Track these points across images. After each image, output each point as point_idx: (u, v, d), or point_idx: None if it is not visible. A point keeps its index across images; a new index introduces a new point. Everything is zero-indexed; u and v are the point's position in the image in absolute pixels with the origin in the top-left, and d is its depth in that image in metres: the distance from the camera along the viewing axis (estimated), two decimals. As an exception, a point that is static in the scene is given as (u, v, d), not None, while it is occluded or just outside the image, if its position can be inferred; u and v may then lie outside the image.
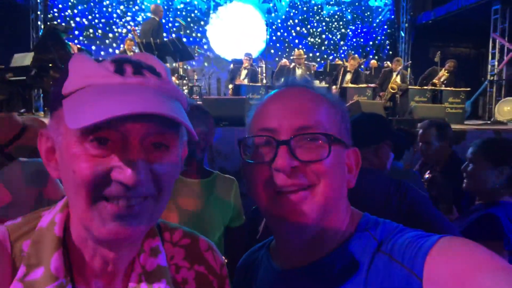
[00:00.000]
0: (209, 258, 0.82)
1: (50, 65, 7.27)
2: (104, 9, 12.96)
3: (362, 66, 10.87)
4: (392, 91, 9.38)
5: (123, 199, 0.60)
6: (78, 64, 0.65)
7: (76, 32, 12.58)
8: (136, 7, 13.09)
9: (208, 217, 1.88)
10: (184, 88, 9.59)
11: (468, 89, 9.92)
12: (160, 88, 0.65)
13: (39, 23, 12.17)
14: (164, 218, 0.86)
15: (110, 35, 12.90)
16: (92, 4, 12.89)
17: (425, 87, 9.67)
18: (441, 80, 9.77)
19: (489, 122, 9.78)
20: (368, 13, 14.62)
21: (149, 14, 8.44)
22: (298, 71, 9.30)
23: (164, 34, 10.76)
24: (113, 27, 12.96)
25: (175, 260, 0.78)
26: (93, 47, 12.61)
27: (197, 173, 1.97)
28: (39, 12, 12.18)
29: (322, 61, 13.45)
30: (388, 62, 11.33)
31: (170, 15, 13.06)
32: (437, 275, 0.61)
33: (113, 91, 0.60)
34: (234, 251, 1.93)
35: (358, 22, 14.52)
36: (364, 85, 9.33)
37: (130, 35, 10.81)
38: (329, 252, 0.76)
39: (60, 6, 12.67)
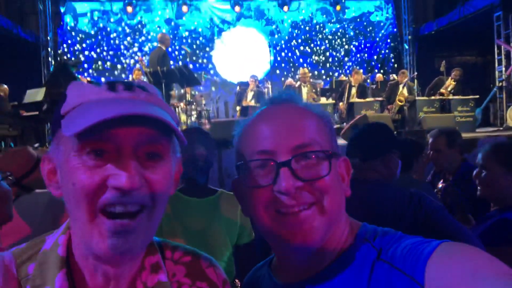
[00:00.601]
0: (211, 274, 0.83)
1: (62, 99, 7.43)
2: (112, 41, 13.32)
3: (368, 81, 10.90)
4: (400, 103, 9.36)
5: (119, 206, 0.63)
6: (74, 88, 0.71)
7: (86, 66, 12.93)
8: (143, 38, 13.43)
9: (214, 235, 1.88)
10: (192, 113, 9.71)
11: (477, 96, 9.84)
12: (151, 101, 0.71)
13: (49, 59, 12.55)
14: (171, 239, 0.88)
15: (119, 66, 13.22)
16: (99, 37, 13.27)
17: (433, 97, 9.63)
18: (448, 89, 9.72)
19: (501, 128, 9.64)
20: (370, 28, 14.75)
21: (155, 44, 8.63)
22: (304, 90, 9.37)
23: (171, 62, 11.00)
24: (121, 58, 13.29)
25: (177, 277, 0.79)
26: (103, 79, 12.91)
27: (201, 193, 1.98)
28: (49, 49, 12.57)
29: (328, 78, 13.53)
30: (394, 75, 11.35)
31: (176, 44, 13.36)
32: (439, 281, 0.61)
33: (105, 102, 0.66)
34: (244, 268, 1.91)
35: (361, 38, 14.64)
36: (371, 99, 9.33)
37: (137, 65, 11.07)
38: (330, 263, 0.76)
39: (69, 41, 13.07)
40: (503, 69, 10.92)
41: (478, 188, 2.09)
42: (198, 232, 1.87)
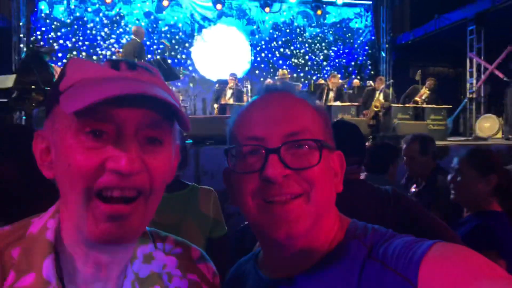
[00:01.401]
0: (202, 266, 0.81)
1: (33, 87, 7.17)
2: (88, 31, 12.96)
3: (346, 86, 11.06)
4: (375, 109, 9.55)
5: (116, 190, 0.60)
6: (75, 64, 0.68)
7: (60, 55, 12.52)
8: (121, 30, 13.14)
9: (187, 230, 1.87)
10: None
11: (449, 106, 10.19)
12: (154, 81, 0.68)
13: (21, 45, 12.09)
14: None
15: (94, 57, 12.88)
16: (75, 27, 12.89)
17: (407, 105, 9.88)
18: (423, 97, 10.01)
19: (470, 138, 10.00)
20: (349, 34, 14.99)
21: (133, 37, 8.49)
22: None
23: (149, 56, 10.79)
24: (97, 49, 12.95)
25: (168, 268, 0.77)
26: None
27: (173, 187, 1.95)
28: (21, 35, 12.12)
29: (306, 81, 13.64)
30: (371, 82, 11.56)
31: (154, 38, 13.14)
32: (433, 282, 0.60)
33: (108, 80, 0.63)
34: (218, 263, 1.88)
35: (340, 44, 14.85)
36: (348, 104, 9.48)
37: (114, 57, 10.82)
38: (318, 260, 0.74)
39: (43, 28, 12.64)
40: (474, 81, 11.32)
41: (452, 192, 2.14)
42: (170, 227, 1.81)
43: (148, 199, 0.65)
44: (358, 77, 14.21)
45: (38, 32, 12.59)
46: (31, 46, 11.79)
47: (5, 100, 7.22)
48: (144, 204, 0.64)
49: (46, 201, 0.77)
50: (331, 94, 9.62)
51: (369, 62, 14.93)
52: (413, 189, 3.35)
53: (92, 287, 0.68)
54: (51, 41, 12.62)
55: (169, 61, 9.44)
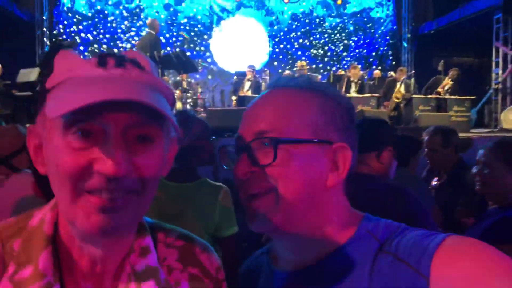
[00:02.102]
0: (204, 260, 0.79)
1: (56, 80, 7.33)
2: (109, 24, 13.14)
3: (366, 77, 10.89)
4: (396, 100, 9.37)
5: (105, 192, 0.59)
6: (62, 60, 0.66)
7: (81, 48, 12.75)
8: (140, 22, 13.26)
9: (188, 222, 1.83)
10: (188, 101, 9.64)
11: (473, 97, 9.90)
12: (143, 80, 0.65)
13: (44, 39, 12.35)
14: None
15: (115, 50, 13.05)
16: (96, 20, 13.08)
17: (429, 96, 9.65)
18: (445, 88, 9.76)
19: (495, 130, 9.72)
20: (370, 24, 14.70)
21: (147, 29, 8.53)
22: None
23: (168, 48, 10.86)
24: (118, 42, 13.11)
25: (168, 261, 0.76)
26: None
27: (183, 178, 1.94)
28: (44, 29, 12.37)
29: (326, 73, 13.49)
30: (392, 72, 11.34)
31: (174, 30, 13.21)
32: (446, 276, 0.60)
33: (94, 81, 0.61)
34: (225, 262, 1.87)
35: (361, 34, 14.60)
36: (368, 95, 9.33)
37: (134, 50, 10.93)
38: (329, 253, 0.75)
39: (65, 22, 12.86)
40: (500, 71, 10.97)
41: (478, 184, 2.08)
42: (171, 216, 1.81)
43: (140, 195, 0.64)
44: (379, 67, 13.95)
45: (60, 26, 12.83)
46: (53, 40, 12.03)
47: (30, 93, 7.41)
48: (136, 199, 0.63)
49: None
50: (352, 85, 9.49)
51: (390, 52, 14.63)
52: (434, 182, 3.28)
53: (89, 280, 0.68)
54: (73, 34, 12.85)
55: (188, 53, 9.49)
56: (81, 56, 0.69)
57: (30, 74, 7.64)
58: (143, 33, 12.92)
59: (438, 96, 9.64)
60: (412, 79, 10.34)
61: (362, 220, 0.78)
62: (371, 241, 0.73)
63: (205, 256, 0.80)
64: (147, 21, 8.74)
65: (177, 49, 9.64)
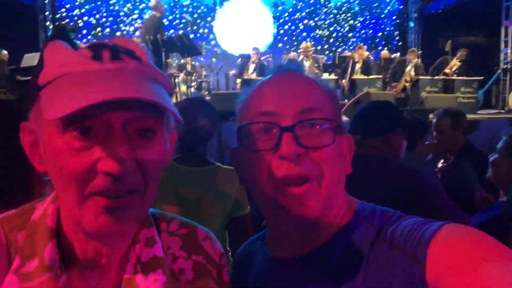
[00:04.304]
0: (207, 247, 0.80)
1: (60, 64, 7.31)
2: (111, 7, 13.01)
3: (372, 57, 10.74)
4: (406, 84, 9.25)
5: (111, 192, 0.58)
6: (53, 53, 0.63)
7: (84, 31, 12.65)
8: (143, 5, 13.11)
9: (208, 206, 1.87)
10: (192, 84, 9.60)
11: (481, 78, 9.74)
12: (140, 72, 0.62)
13: (47, 23, 12.26)
14: (163, 207, 0.85)
15: (118, 33, 12.95)
16: (99, 3, 12.94)
17: (437, 77, 9.52)
18: (453, 69, 9.61)
19: (503, 111, 9.60)
20: (376, 4, 14.43)
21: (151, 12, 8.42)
22: (306, 64, 9.23)
23: (172, 31, 10.75)
24: (121, 25, 13.00)
25: (172, 250, 0.76)
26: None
27: (197, 163, 1.96)
28: (47, 13, 12.27)
29: (331, 54, 13.33)
30: (397, 54, 11.18)
31: (176, 12, 13.06)
32: (441, 261, 0.60)
33: (91, 78, 0.58)
34: (237, 241, 1.93)
35: (366, 14, 14.34)
36: (374, 77, 9.23)
37: (137, 33, 10.84)
38: (327, 240, 0.75)
39: (67, 6, 12.74)
40: (509, 51, 10.77)
41: (490, 171, 2.07)
42: (190, 200, 1.85)
43: (144, 192, 0.63)
44: (385, 48, 13.75)
45: (63, 10, 12.71)
46: (56, 24, 11.94)
47: (34, 78, 7.40)
48: (140, 196, 0.63)
49: None
50: (357, 67, 9.37)
51: (396, 33, 14.39)
52: (440, 165, 3.26)
53: (94, 272, 0.68)
54: (75, 18, 12.74)
55: (192, 35, 9.40)
56: (80, 43, 0.66)
57: (34, 59, 7.61)
58: (146, 16, 12.84)
59: (445, 77, 9.50)
60: (419, 60, 10.19)
61: (358, 207, 0.79)
62: (367, 228, 0.73)
63: (207, 243, 0.80)
64: (151, 3, 8.60)
65: (181, 32, 9.55)
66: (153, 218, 0.77)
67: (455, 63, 9.63)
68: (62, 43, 0.63)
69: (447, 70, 9.60)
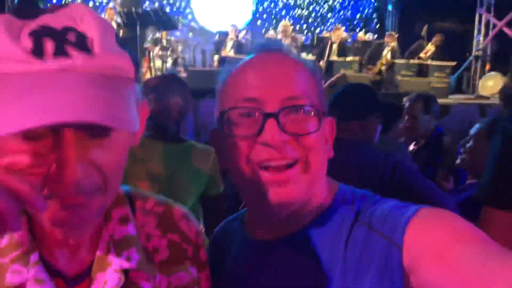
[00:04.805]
0: (183, 226, 0.79)
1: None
2: (83, -25, 12.41)
3: (349, 40, 10.76)
4: (382, 66, 9.35)
5: (67, 194, 0.56)
6: None
7: (54, 0, 12.05)
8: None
9: (180, 183, 1.86)
10: (168, 59, 9.38)
11: (454, 63, 9.97)
12: (88, 70, 0.55)
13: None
14: (134, 184, 0.83)
15: (90, 3, 12.41)
16: (70, -30, 12.31)
17: (411, 61, 9.67)
18: (428, 54, 9.78)
19: (472, 97, 9.90)
20: (356, -15, 14.39)
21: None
22: (284, 43, 9.16)
23: (147, 3, 10.42)
24: (95, -5, 12.46)
25: (146, 228, 0.75)
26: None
27: (170, 140, 1.94)
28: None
29: (309, 34, 13.27)
30: (373, 36, 11.23)
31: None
32: (417, 245, 0.62)
33: (28, 86, 0.52)
34: (212, 219, 1.95)
35: (346, -6, 14.31)
36: (351, 59, 9.27)
37: (111, 4, 10.42)
38: (307, 223, 0.75)
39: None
40: (481, 38, 11.02)
41: (461, 156, 2.12)
42: (162, 177, 1.84)
43: (105, 189, 0.60)
44: (363, 30, 13.80)
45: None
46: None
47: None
48: (100, 195, 0.60)
49: None
50: (334, 47, 9.37)
51: (375, 15, 14.44)
52: (411, 147, 3.35)
53: (65, 250, 0.67)
54: (44, -15, 12.09)
55: (168, 8, 9.13)
56: (9, 28, 0.54)
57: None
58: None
59: (420, 61, 9.66)
60: (396, 44, 10.29)
61: (338, 190, 0.79)
62: (347, 211, 0.74)
63: (184, 222, 0.79)
64: None
65: (156, 4, 9.25)
66: (128, 197, 0.76)
67: (430, 48, 9.80)
68: (3, 24, 0.56)
69: (422, 55, 9.77)
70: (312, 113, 0.72)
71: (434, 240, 0.60)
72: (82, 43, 0.56)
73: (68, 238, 0.66)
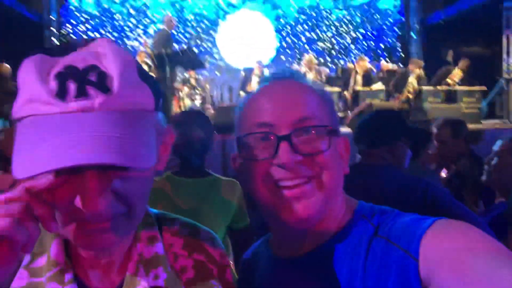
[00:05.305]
0: (209, 247, 0.82)
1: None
2: (116, 22, 13.18)
3: (374, 70, 10.77)
4: (409, 94, 9.25)
5: (92, 219, 0.60)
6: (24, 80, 0.61)
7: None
8: (147, 20, 13.28)
9: (207, 216, 1.88)
10: (196, 97, 9.66)
11: (484, 88, 9.73)
12: (108, 108, 0.58)
13: (53, 39, 12.44)
14: None
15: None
16: (104, 18, 13.13)
17: (439, 87, 9.52)
18: (455, 79, 9.61)
19: (507, 121, 9.56)
20: (378, 15, 14.54)
21: (160, 26, 8.54)
22: (309, 76, 9.28)
23: (176, 46, 10.89)
24: (125, 40, 13.16)
25: (174, 248, 0.79)
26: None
27: (195, 174, 1.99)
28: (53, 29, 12.46)
29: (334, 66, 13.39)
30: (395, 65, 11.18)
31: (180, 26, 13.21)
32: (433, 256, 0.62)
33: (51, 128, 0.56)
34: (240, 252, 1.93)
35: (368, 25, 14.45)
36: (377, 88, 9.24)
37: (142, 48, 10.97)
38: (328, 239, 0.77)
39: (73, 21, 12.94)
40: (511, 61, 10.76)
41: (488, 174, 2.07)
42: (188, 212, 1.87)
43: (129, 215, 0.64)
44: (388, 60, 13.80)
45: (68, 25, 12.90)
46: (61, 39, 12.11)
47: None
48: (125, 219, 0.64)
49: None
50: (359, 78, 9.40)
51: (398, 44, 14.46)
52: (442, 174, 3.27)
53: (97, 270, 0.71)
54: (81, 33, 12.91)
55: (195, 49, 9.50)
56: (39, 70, 0.59)
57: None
58: (150, 30, 13.00)
59: (448, 87, 9.50)
60: (422, 70, 10.21)
61: (357, 206, 0.82)
62: (366, 226, 0.76)
63: (209, 243, 0.83)
64: (164, 18, 8.68)
65: (184, 45, 9.66)
66: (156, 218, 0.80)
67: (457, 73, 9.64)
68: (33, 66, 0.60)
69: (449, 80, 9.61)
70: (323, 132, 0.76)
71: (450, 251, 0.61)
72: (102, 83, 0.59)
73: (98, 259, 0.70)
